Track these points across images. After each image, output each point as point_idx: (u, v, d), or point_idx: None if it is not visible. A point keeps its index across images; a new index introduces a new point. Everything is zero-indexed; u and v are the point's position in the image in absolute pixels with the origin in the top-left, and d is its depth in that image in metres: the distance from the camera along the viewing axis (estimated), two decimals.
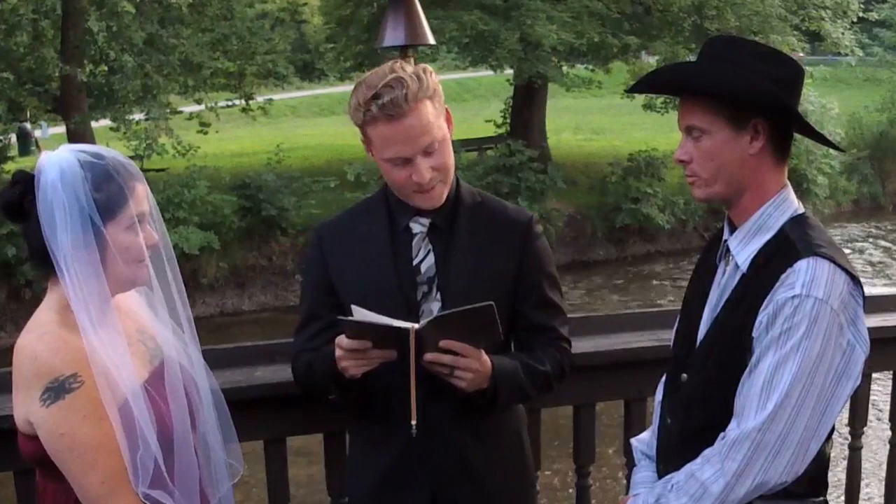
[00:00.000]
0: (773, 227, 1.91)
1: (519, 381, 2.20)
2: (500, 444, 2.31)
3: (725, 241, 1.99)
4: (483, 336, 2.07)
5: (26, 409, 1.80)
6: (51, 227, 1.81)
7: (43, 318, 1.86)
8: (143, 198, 1.90)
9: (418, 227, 2.23)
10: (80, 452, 1.78)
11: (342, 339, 2.05)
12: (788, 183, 1.96)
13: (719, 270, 2.00)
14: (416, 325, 1.99)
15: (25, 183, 1.85)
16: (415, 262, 2.22)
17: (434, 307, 2.19)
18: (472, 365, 2.07)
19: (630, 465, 2.84)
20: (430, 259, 2.22)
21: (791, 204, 1.93)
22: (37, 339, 1.81)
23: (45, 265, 1.84)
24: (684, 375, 2.01)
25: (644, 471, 2.15)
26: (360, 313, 2.01)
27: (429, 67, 2.17)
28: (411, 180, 2.13)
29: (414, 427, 2.04)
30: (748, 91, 1.84)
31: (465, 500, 2.24)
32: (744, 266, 1.91)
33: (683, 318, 2.10)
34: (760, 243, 1.91)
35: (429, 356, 2.03)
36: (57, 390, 1.77)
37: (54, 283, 1.86)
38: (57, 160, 1.84)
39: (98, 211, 1.82)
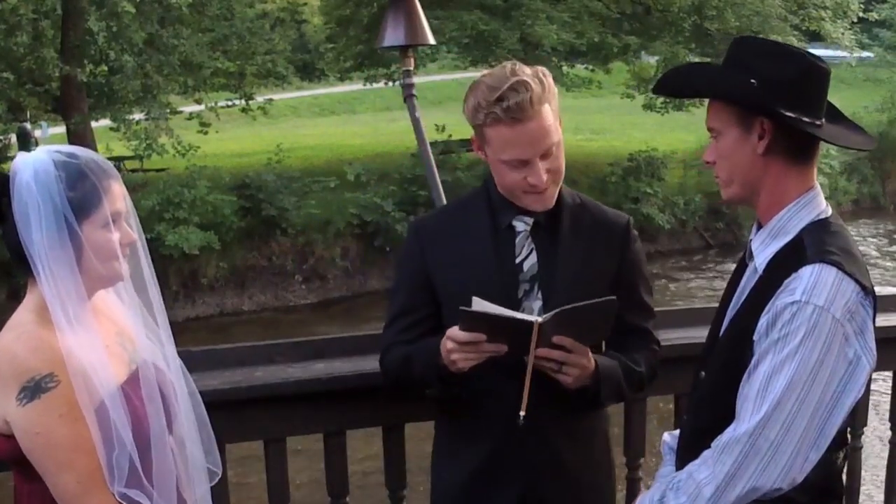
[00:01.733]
0: (793, 231, 1.89)
1: (619, 380, 2.22)
2: (593, 445, 2.33)
3: (750, 241, 1.99)
4: (594, 333, 2.10)
5: (3, 408, 1.80)
6: (26, 227, 1.82)
7: (22, 317, 1.87)
8: (118, 196, 1.90)
9: (522, 225, 2.24)
10: (55, 452, 1.78)
11: (456, 332, 2.04)
12: (817, 185, 1.94)
13: (746, 271, 2.00)
14: (540, 319, 2.00)
15: (2, 185, 1.86)
16: (517, 260, 2.22)
17: (535, 305, 2.19)
18: (581, 361, 2.09)
19: (630, 465, 2.86)
20: (533, 258, 2.22)
21: (816, 207, 1.91)
22: (15, 338, 1.82)
23: (23, 265, 1.85)
24: (702, 374, 2.02)
25: (667, 465, 2.16)
26: (481, 304, 2.02)
27: (546, 70, 2.18)
28: (525, 182, 2.14)
29: (522, 418, 2.04)
30: (732, 92, 1.86)
31: (554, 498, 2.25)
32: (760, 268, 1.91)
33: (715, 316, 2.10)
34: (778, 246, 1.89)
35: (542, 351, 2.03)
36: (33, 390, 1.77)
37: (33, 283, 1.87)
38: (31, 160, 1.85)
39: (72, 210, 1.83)
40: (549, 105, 2.13)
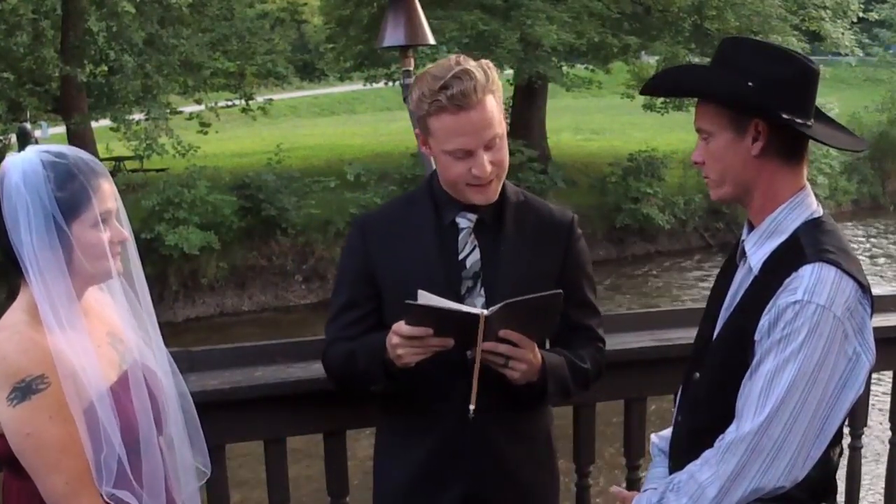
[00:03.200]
0: (787, 231, 1.89)
1: (565, 376, 2.22)
2: (534, 442, 2.32)
3: (742, 241, 1.99)
4: (542, 327, 2.10)
5: None
6: (15, 229, 1.82)
7: (13, 317, 1.87)
8: (108, 195, 1.91)
9: (465, 221, 2.23)
10: (45, 453, 1.79)
11: (402, 326, 2.04)
12: (808, 185, 1.95)
13: (737, 271, 2.00)
14: (486, 311, 2.00)
15: None
16: (460, 257, 2.22)
17: (478, 302, 2.19)
18: (527, 356, 2.08)
19: (630, 465, 2.86)
20: (476, 254, 2.22)
21: (808, 207, 1.92)
22: (5, 339, 1.83)
23: (15, 267, 1.85)
24: (696, 374, 2.02)
25: (658, 467, 2.16)
26: (427, 297, 2.01)
27: (491, 63, 2.19)
28: (470, 174, 2.14)
29: (472, 412, 2.04)
30: (731, 94, 1.85)
31: (496, 496, 2.25)
32: (756, 268, 1.91)
33: (704, 316, 2.10)
34: (773, 246, 1.90)
35: (488, 345, 2.03)
36: (24, 391, 1.78)
37: (25, 284, 1.88)
38: (20, 161, 1.85)
39: (61, 210, 1.83)
40: (492, 96, 2.13)
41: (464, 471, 2.21)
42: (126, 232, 1.95)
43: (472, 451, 2.20)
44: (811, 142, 1.92)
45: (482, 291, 2.20)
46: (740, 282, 1.97)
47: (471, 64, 2.13)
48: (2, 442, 1.82)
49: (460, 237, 2.23)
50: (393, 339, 2.06)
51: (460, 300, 2.17)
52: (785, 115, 1.83)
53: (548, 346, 2.28)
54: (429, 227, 2.24)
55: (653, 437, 2.24)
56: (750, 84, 1.83)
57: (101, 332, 1.96)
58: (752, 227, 1.96)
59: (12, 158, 1.87)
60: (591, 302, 2.33)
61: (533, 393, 2.16)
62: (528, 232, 2.26)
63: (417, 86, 2.15)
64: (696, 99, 1.98)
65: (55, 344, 1.80)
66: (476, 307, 2.15)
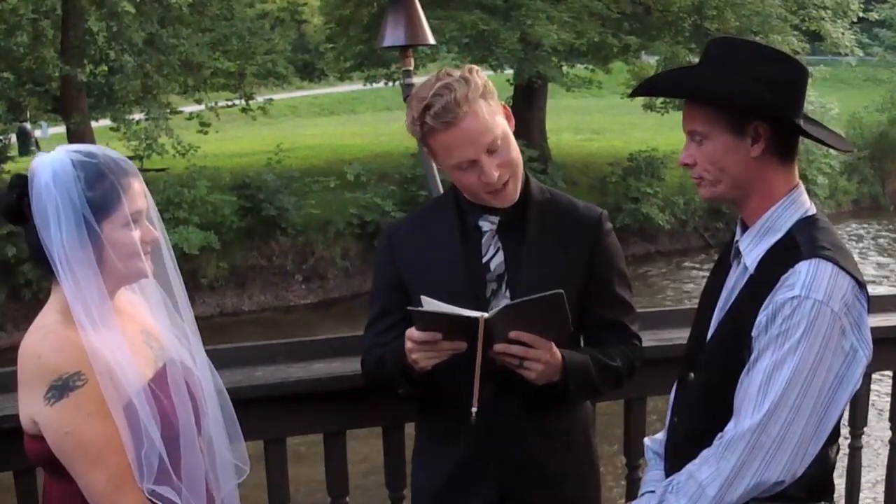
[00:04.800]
0: (782, 229, 1.90)
1: (590, 374, 2.22)
2: (570, 442, 2.33)
3: (737, 241, 1.99)
4: (553, 327, 2.09)
5: (31, 409, 1.81)
6: (45, 228, 1.82)
7: (47, 318, 1.87)
8: (138, 194, 1.91)
9: (488, 224, 2.25)
10: (85, 450, 1.79)
11: (413, 332, 2.07)
12: (801, 183, 1.95)
13: (731, 271, 2.00)
14: (486, 315, 2.01)
15: (22, 186, 1.87)
16: (484, 260, 2.24)
17: (504, 304, 2.19)
18: (543, 356, 2.09)
19: (630, 465, 2.86)
20: (500, 257, 2.24)
21: (802, 205, 1.92)
22: (40, 338, 1.83)
23: (46, 267, 1.85)
24: (691, 375, 2.02)
25: (654, 470, 2.16)
26: (430, 304, 2.04)
27: (475, 67, 2.19)
28: (481, 181, 2.16)
29: (474, 414, 2.05)
30: (743, 97, 1.84)
31: (532, 495, 2.25)
32: (752, 267, 1.91)
33: (697, 317, 2.11)
34: (769, 244, 1.90)
35: (498, 346, 2.04)
36: (61, 389, 1.78)
37: (57, 284, 1.87)
38: (50, 161, 1.85)
39: (91, 210, 1.83)
40: (482, 101, 2.14)
41: (497, 471, 2.23)
42: (157, 231, 1.95)
43: (505, 452, 2.22)
44: (812, 142, 1.93)
45: (507, 293, 2.22)
46: (735, 281, 1.97)
47: (452, 76, 2.13)
48: (41, 443, 1.82)
49: (483, 240, 2.25)
50: (407, 344, 2.09)
51: (486, 303, 2.19)
52: (793, 118, 1.84)
53: (581, 343, 2.29)
54: (453, 233, 2.26)
55: (646, 440, 2.24)
56: (756, 86, 1.83)
57: (135, 330, 1.97)
58: (745, 227, 1.97)
59: (41, 158, 1.87)
60: (623, 299, 2.32)
61: (556, 392, 2.17)
62: (553, 230, 2.26)
63: (408, 110, 2.17)
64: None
65: (89, 342, 1.80)
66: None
